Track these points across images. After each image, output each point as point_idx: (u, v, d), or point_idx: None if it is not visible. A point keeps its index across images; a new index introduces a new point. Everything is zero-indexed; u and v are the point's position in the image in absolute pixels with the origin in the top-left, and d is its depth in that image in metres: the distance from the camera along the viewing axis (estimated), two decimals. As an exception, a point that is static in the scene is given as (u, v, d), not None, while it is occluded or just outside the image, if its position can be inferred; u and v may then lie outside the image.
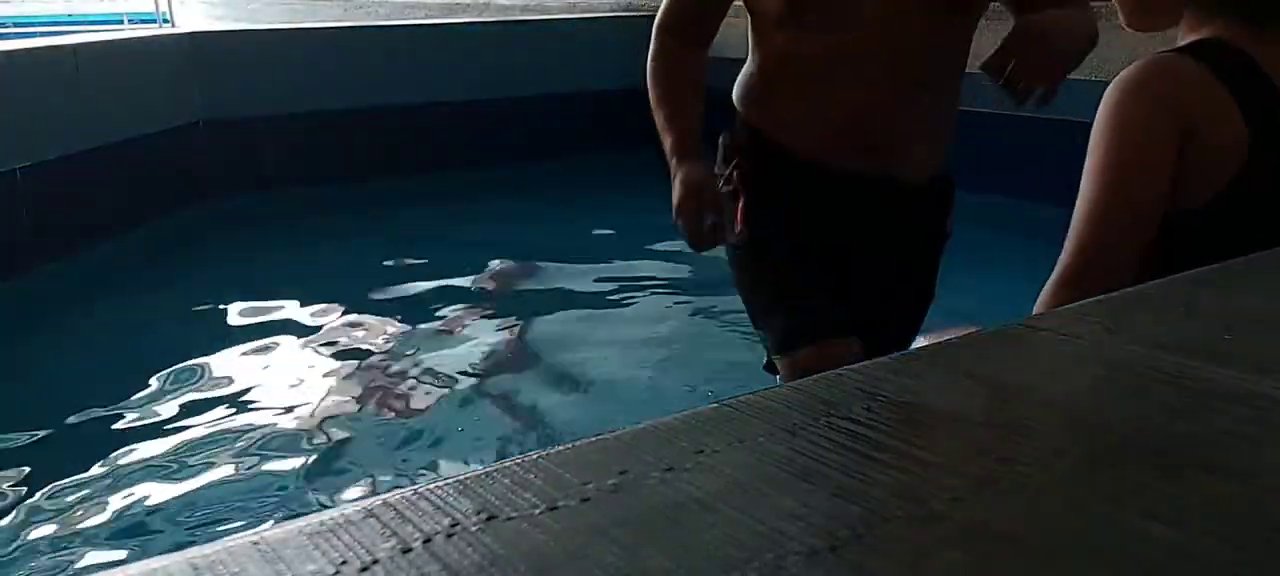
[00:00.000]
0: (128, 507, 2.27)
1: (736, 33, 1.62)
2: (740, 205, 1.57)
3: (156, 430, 2.64)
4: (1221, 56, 1.14)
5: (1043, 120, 4.01)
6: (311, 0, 8.46)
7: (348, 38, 5.30)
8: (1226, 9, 1.17)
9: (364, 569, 0.43)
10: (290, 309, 3.62)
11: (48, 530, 2.19)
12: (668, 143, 1.60)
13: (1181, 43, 1.19)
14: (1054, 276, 1.16)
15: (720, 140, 1.65)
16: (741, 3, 1.56)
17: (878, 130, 1.49)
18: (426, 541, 0.45)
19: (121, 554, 2.12)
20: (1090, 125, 1.16)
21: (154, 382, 2.93)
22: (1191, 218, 1.13)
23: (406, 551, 0.44)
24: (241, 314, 3.55)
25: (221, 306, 3.71)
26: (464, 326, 3.50)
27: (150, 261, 4.07)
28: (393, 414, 2.76)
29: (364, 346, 3.27)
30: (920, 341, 1.58)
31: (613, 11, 5.92)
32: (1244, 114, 1.11)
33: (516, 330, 3.53)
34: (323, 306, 3.62)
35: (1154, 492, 0.49)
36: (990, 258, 3.87)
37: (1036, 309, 1.15)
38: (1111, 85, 1.15)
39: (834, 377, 0.63)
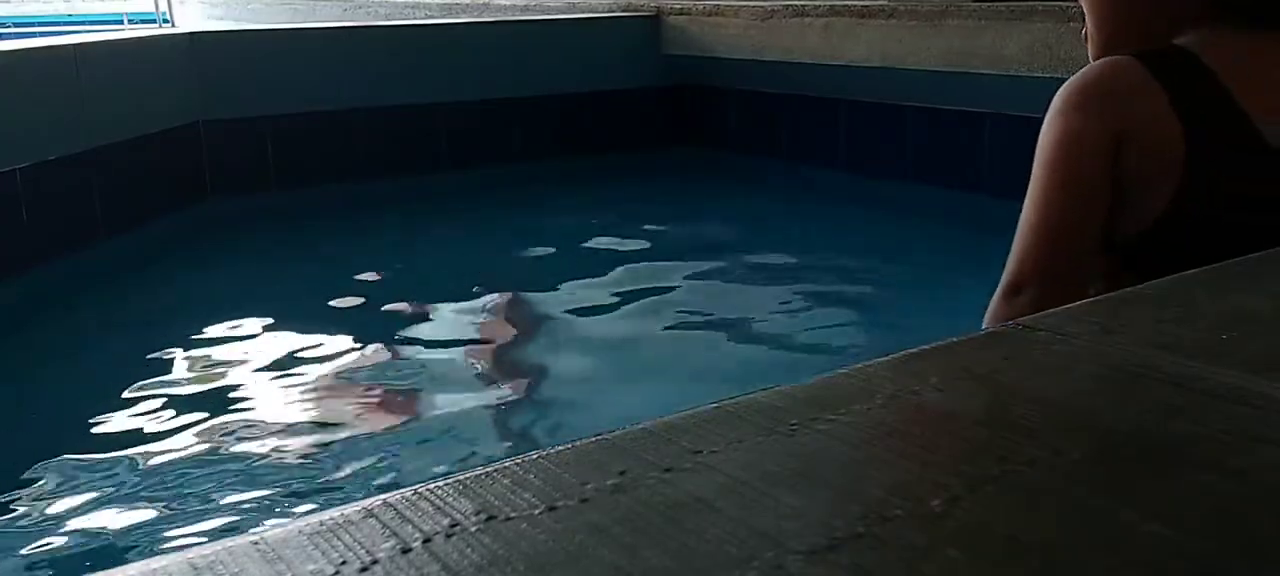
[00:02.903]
0: (127, 507, 2.27)
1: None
2: None
3: (156, 430, 2.64)
4: (1171, 61, 1.10)
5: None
6: (311, 0, 8.46)
7: (348, 38, 5.29)
8: (1234, 22, 1.12)
9: (364, 569, 0.43)
10: (290, 309, 3.62)
11: (47, 530, 2.19)
12: None
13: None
14: (998, 288, 1.14)
15: None
16: None
17: None
18: (426, 541, 0.45)
19: (121, 554, 2.12)
20: None
21: (154, 383, 2.93)
22: (1135, 242, 1.09)
23: (406, 551, 0.44)
24: (241, 314, 3.55)
25: (221, 306, 3.71)
26: (464, 326, 3.50)
27: (150, 261, 4.07)
28: (393, 414, 2.77)
29: (364, 346, 3.27)
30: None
31: (613, 12, 5.91)
32: (1180, 115, 1.06)
33: (517, 330, 3.53)
34: (323, 306, 3.62)
35: (1153, 492, 0.49)
36: (997, 260, 3.87)
37: (985, 321, 1.13)
38: (1059, 91, 1.13)
39: (833, 378, 0.63)
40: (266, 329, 3.42)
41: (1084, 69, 1.13)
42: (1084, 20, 1.25)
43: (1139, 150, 1.07)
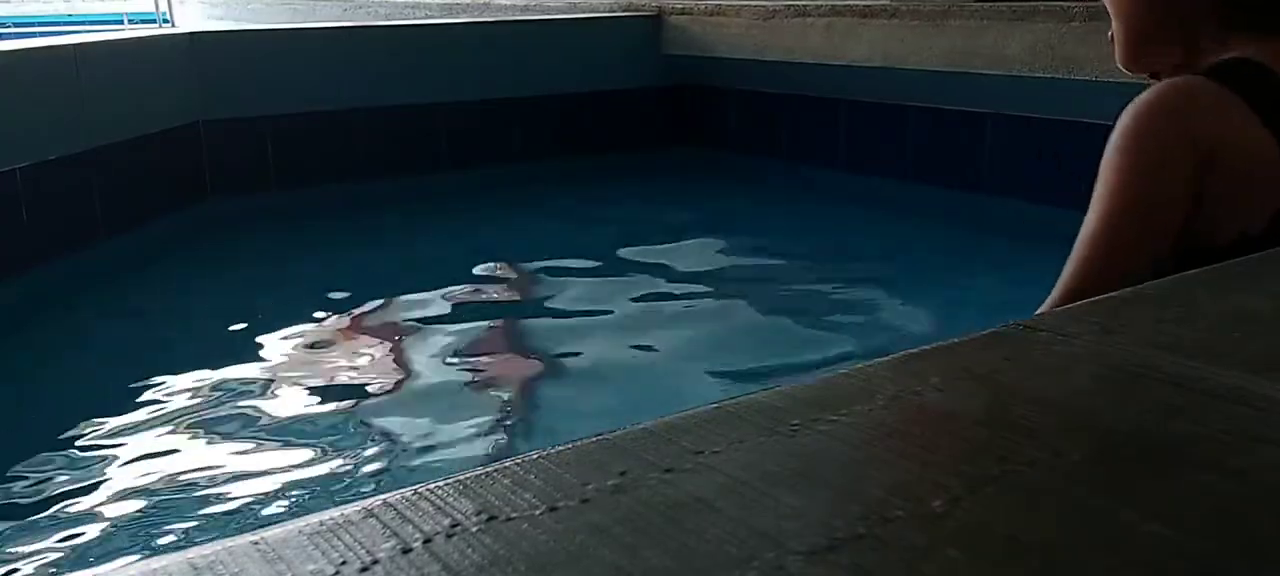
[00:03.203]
0: (127, 507, 2.27)
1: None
2: None
3: (155, 430, 2.64)
4: (1245, 75, 1.09)
5: (1048, 120, 4.02)
6: (311, 0, 8.46)
7: (348, 38, 5.29)
8: (1250, 25, 1.12)
9: (364, 569, 0.43)
10: (290, 309, 3.62)
11: (46, 530, 2.19)
12: None
13: (1198, 68, 1.14)
14: (1052, 296, 1.14)
15: None
16: None
17: None
18: (426, 541, 0.45)
19: (121, 554, 2.12)
20: (1099, 126, 1.13)
21: (153, 383, 2.93)
22: (1217, 256, 1.06)
23: (406, 551, 0.44)
24: (241, 314, 3.55)
25: (221, 307, 3.71)
26: (464, 326, 3.50)
27: (150, 261, 4.07)
28: (393, 414, 2.76)
29: (363, 346, 3.27)
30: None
31: (613, 12, 5.91)
32: (1273, 132, 1.05)
33: (517, 330, 3.53)
34: (322, 306, 3.62)
35: (1153, 492, 0.49)
36: (997, 260, 3.88)
37: None
38: (1126, 109, 1.11)
39: (833, 378, 0.63)
40: (266, 329, 3.42)
41: (1156, 88, 1.12)
42: (1111, 23, 1.24)
43: (1228, 169, 1.06)
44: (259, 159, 4.80)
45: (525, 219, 4.77)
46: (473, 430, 2.69)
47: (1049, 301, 1.13)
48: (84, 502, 2.29)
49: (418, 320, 3.52)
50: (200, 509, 2.26)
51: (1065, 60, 3.81)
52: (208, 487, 2.34)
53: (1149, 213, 1.09)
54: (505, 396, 2.93)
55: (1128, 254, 1.10)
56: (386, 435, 2.64)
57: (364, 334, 3.38)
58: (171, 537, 2.14)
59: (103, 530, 2.19)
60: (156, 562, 0.44)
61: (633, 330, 3.39)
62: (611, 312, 3.56)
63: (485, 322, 3.56)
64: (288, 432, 2.63)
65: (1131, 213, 1.10)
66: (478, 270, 4.07)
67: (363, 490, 2.33)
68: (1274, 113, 1.07)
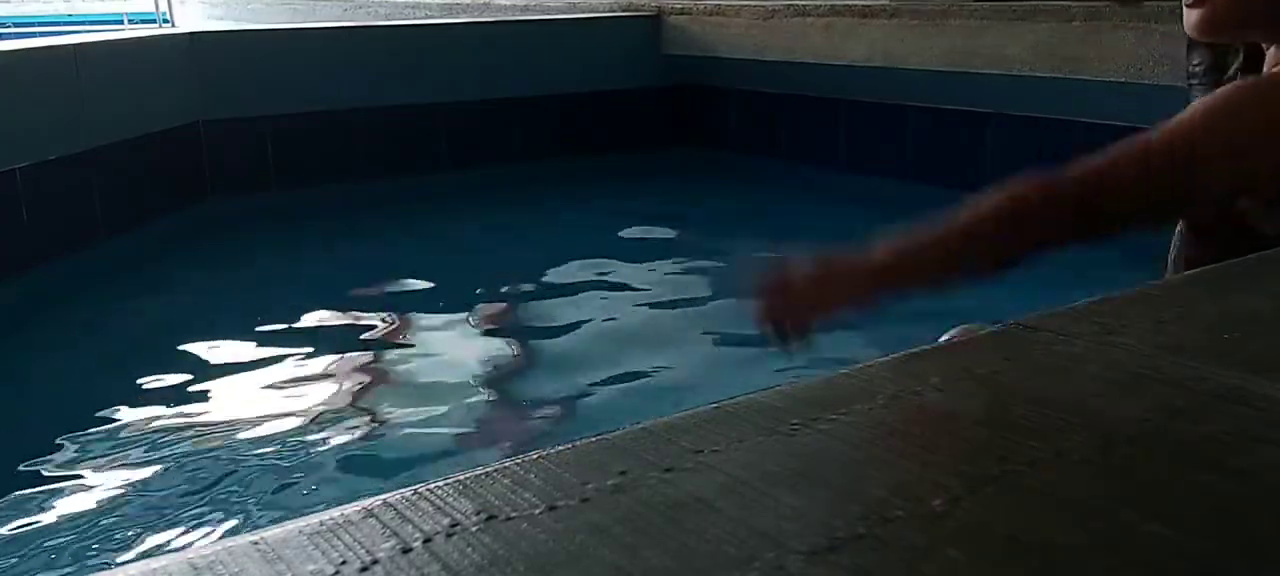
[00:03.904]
0: (127, 508, 2.27)
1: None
2: None
3: (156, 430, 2.64)
4: None
5: (1049, 120, 4.02)
6: (311, 0, 8.46)
7: (348, 38, 5.29)
8: None
9: (364, 569, 0.43)
10: (290, 309, 3.62)
11: (47, 530, 2.19)
12: None
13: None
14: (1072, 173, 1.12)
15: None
16: None
17: None
18: (426, 541, 0.45)
19: (121, 554, 2.12)
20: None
21: (153, 383, 2.93)
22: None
23: (406, 551, 0.44)
24: (241, 314, 3.55)
25: (221, 307, 3.71)
26: (464, 327, 3.50)
27: (150, 261, 4.07)
28: (393, 414, 2.77)
29: (364, 347, 3.27)
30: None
31: (613, 12, 5.91)
32: None
33: (517, 330, 3.53)
34: (322, 306, 3.62)
35: (1154, 492, 0.49)
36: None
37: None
38: (1243, 84, 1.11)
39: (834, 378, 0.63)
40: (266, 329, 3.42)
41: (1270, 78, 1.12)
42: None
43: None
44: (259, 159, 4.80)
45: (525, 219, 4.77)
46: (472, 430, 2.69)
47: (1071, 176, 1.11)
48: (84, 502, 2.29)
49: (417, 320, 3.52)
50: (200, 509, 2.26)
51: (1066, 60, 3.80)
52: (208, 487, 2.34)
53: (1198, 167, 1.08)
54: (505, 396, 2.93)
55: (1163, 176, 1.07)
56: (386, 435, 2.64)
57: (364, 334, 3.38)
58: (171, 537, 2.14)
59: (103, 530, 2.19)
60: (156, 562, 0.44)
61: (632, 330, 3.39)
62: (611, 312, 3.56)
63: (485, 323, 3.56)
64: (288, 432, 2.63)
65: (1186, 154, 1.08)
66: (478, 271, 4.07)
67: (363, 490, 2.33)
68: None
